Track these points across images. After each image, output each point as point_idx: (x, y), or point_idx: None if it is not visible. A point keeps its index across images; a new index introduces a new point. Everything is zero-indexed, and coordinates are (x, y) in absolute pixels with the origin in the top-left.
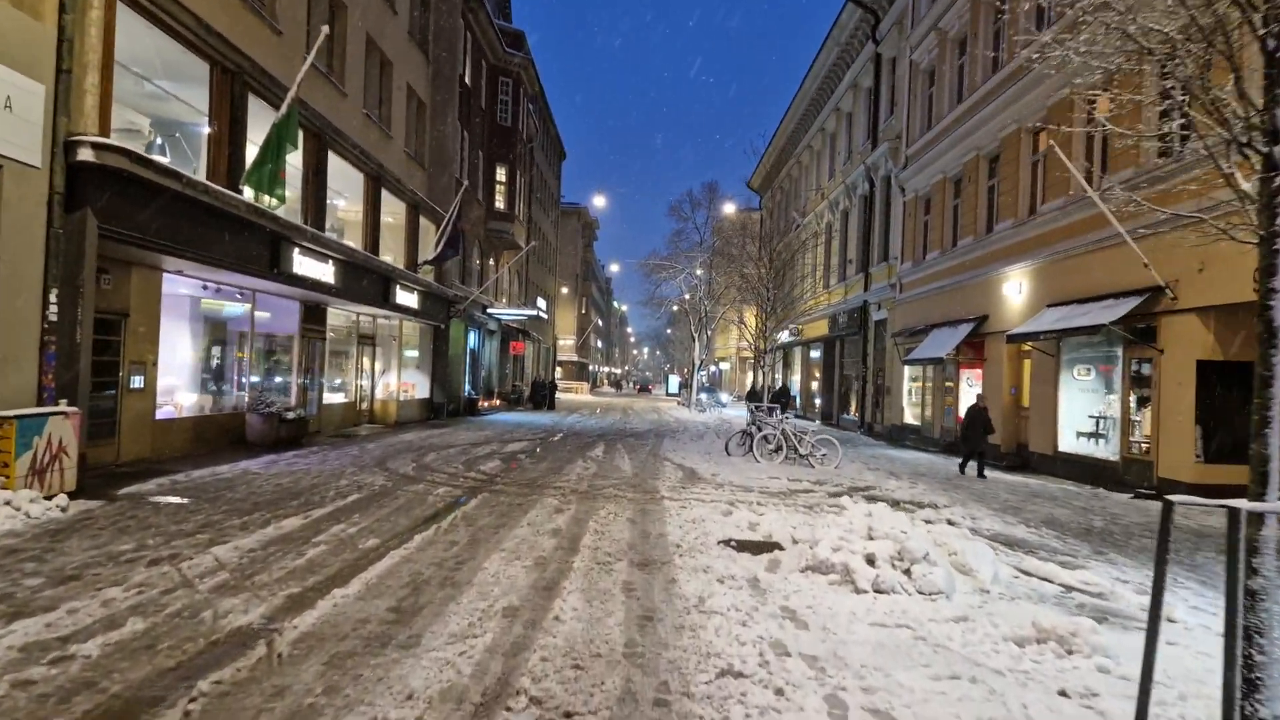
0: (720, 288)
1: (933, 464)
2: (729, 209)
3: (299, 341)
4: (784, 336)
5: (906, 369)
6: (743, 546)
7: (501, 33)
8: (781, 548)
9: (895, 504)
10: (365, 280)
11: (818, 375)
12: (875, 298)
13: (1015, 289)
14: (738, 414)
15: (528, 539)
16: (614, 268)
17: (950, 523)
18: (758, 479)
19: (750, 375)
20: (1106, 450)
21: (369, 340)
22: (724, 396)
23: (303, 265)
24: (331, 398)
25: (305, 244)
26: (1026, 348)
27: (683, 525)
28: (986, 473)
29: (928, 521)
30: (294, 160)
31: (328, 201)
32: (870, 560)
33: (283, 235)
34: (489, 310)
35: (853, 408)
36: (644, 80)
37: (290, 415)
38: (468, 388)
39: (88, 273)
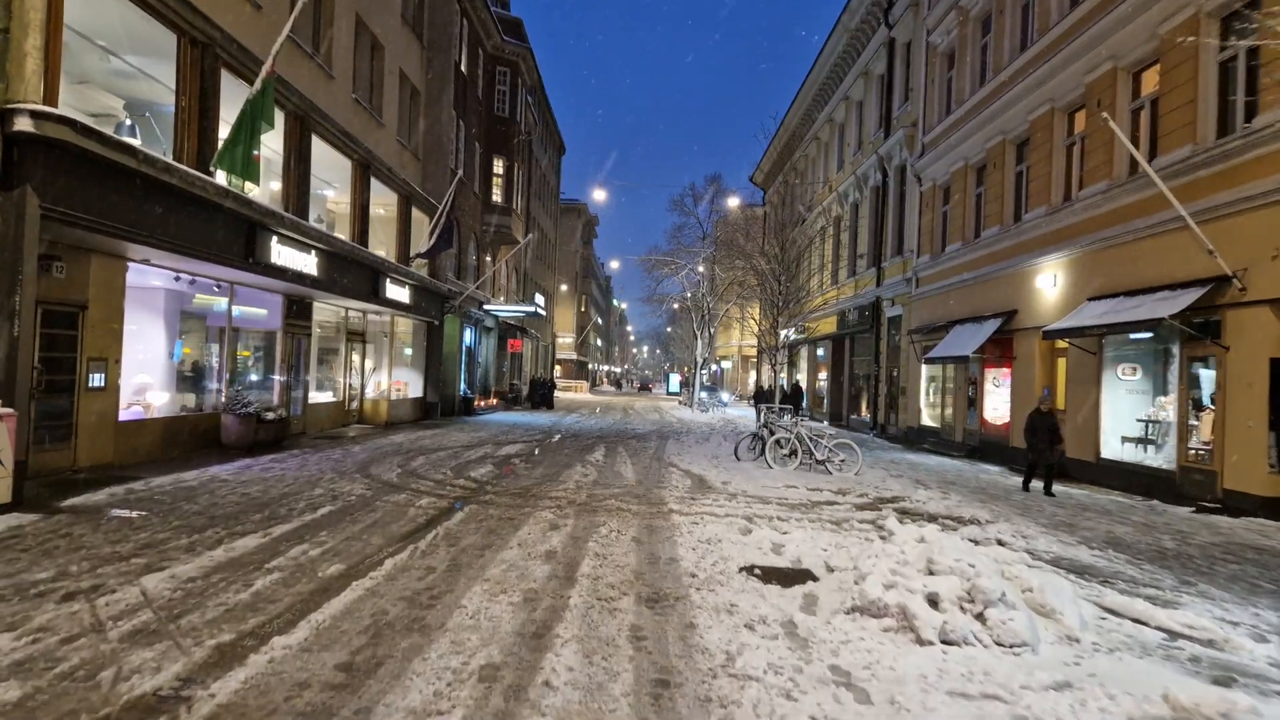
0: (724, 284)
1: (960, 471)
2: (732, 202)
3: (282, 337)
4: (791, 334)
5: (924, 368)
6: (769, 576)
7: (499, 20)
8: (815, 577)
9: (932, 518)
10: (353, 273)
11: (824, 374)
12: (889, 293)
13: (1049, 281)
14: (740, 414)
15: (517, 564)
16: (614, 265)
17: (1000, 543)
18: (774, 488)
19: (753, 374)
20: (1159, 458)
21: (358, 337)
22: (725, 396)
23: (282, 255)
24: (318, 397)
25: (284, 232)
26: (1062, 345)
27: (696, 547)
28: (1025, 483)
29: (974, 542)
30: (274, 144)
31: (313, 190)
32: (933, 602)
33: (259, 222)
34: (486, 306)
35: (864, 408)
36: (645, 77)
37: (270, 416)
38: (463, 386)
39: (28, 258)
